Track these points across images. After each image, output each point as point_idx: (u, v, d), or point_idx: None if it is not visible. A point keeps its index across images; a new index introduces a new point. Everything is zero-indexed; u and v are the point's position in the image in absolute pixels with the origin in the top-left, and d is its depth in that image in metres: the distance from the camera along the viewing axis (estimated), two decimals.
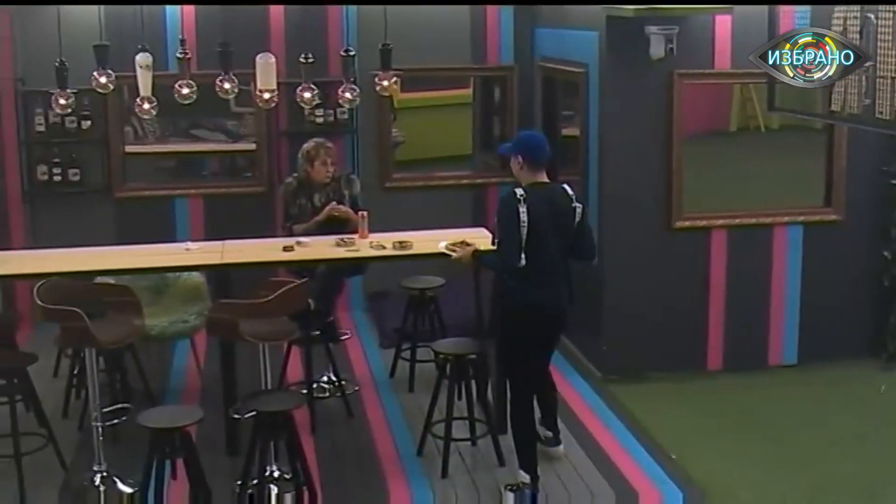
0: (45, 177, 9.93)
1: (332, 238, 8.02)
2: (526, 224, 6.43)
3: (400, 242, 7.78)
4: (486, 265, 7.04)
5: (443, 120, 10.87)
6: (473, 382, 7.33)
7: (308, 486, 6.54)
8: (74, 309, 6.59)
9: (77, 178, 9.96)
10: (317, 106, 9.24)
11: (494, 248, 6.84)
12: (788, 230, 8.81)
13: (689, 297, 8.75)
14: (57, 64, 7.99)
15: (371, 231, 8.07)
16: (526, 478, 6.82)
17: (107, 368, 7.74)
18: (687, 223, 8.60)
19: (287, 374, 8.26)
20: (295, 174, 8.67)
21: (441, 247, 7.33)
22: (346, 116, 10.18)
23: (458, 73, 10.65)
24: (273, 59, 7.83)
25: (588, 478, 7.04)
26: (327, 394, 8.32)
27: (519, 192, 6.50)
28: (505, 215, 6.50)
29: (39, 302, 6.79)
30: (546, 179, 6.66)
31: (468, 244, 7.17)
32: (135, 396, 7.88)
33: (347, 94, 8.13)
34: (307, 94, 8.04)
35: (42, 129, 9.85)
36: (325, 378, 8.40)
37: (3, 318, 9.07)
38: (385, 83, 8.18)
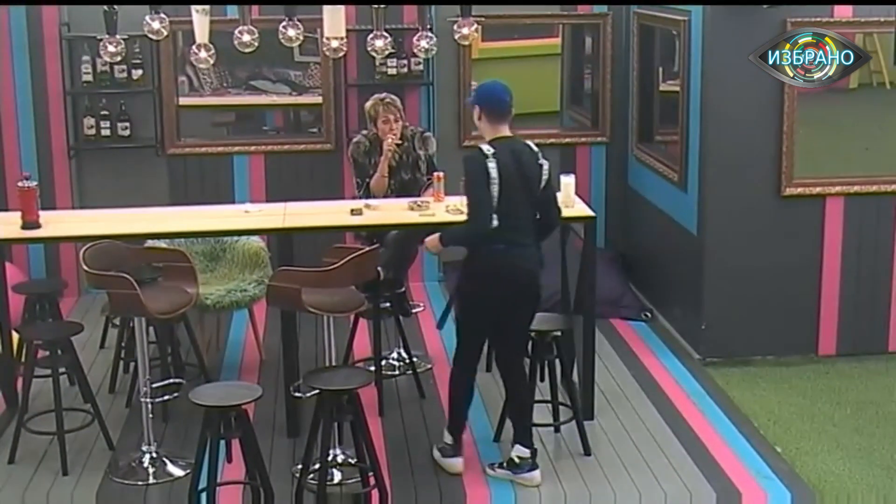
0: (93, 131, 9.98)
1: (405, 201, 8.00)
2: (497, 181, 6.50)
3: None
4: (454, 241, 6.95)
5: (528, 72, 10.76)
6: (558, 362, 7.26)
7: (374, 471, 6.53)
8: (124, 275, 6.65)
9: (127, 132, 10.01)
10: (389, 56, 9.32)
11: (462, 219, 6.87)
12: None
13: (800, 272, 8.64)
14: (105, 7, 8.02)
15: (448, 194, 8.00)
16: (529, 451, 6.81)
17: (158, 340, 7.79)
18: (799, 190, 8.48)
19: (353, 350, 8.25)
20: (364, 131, 8.62)
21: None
22: (420, 67, 10.15)
23: (544, 21, 10.61)
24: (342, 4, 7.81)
25: (684, 473, 6.92)
26: (397, 372, 8.36)
27: (485, 147, 6.59)
28: (473, 174, 6.57)
29: (86, 267, 6.86)
30: (509, 133, 6.73)
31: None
32: (188, 371, 7.96)
33: (423, 43, 8.22)
34: (379, 43, 8.09)
35: (89, 78, 9.89)
36: (394, 354, 8.44)
37: (47, 284, 9.15)
38: (464, 31, 8.21)
